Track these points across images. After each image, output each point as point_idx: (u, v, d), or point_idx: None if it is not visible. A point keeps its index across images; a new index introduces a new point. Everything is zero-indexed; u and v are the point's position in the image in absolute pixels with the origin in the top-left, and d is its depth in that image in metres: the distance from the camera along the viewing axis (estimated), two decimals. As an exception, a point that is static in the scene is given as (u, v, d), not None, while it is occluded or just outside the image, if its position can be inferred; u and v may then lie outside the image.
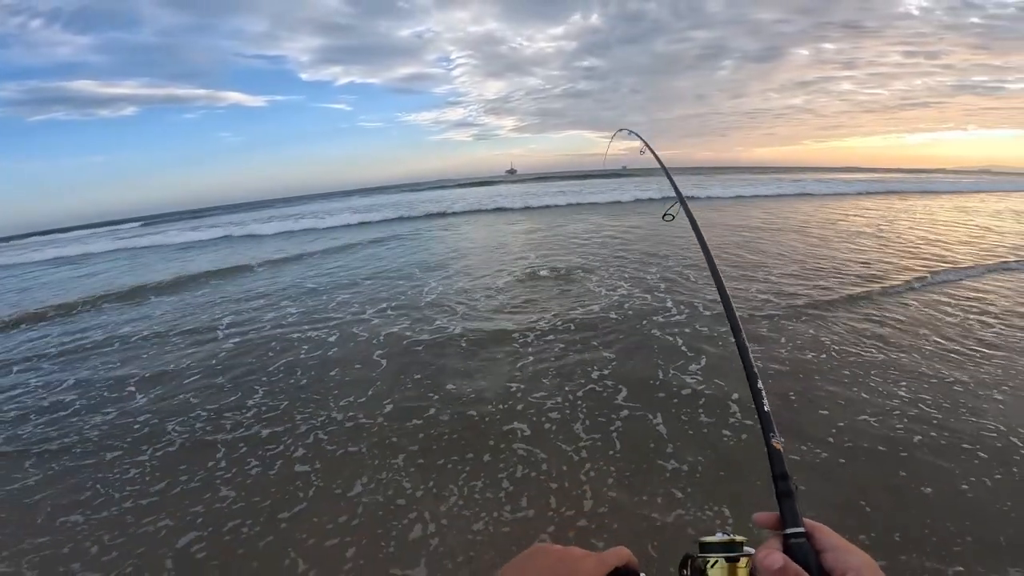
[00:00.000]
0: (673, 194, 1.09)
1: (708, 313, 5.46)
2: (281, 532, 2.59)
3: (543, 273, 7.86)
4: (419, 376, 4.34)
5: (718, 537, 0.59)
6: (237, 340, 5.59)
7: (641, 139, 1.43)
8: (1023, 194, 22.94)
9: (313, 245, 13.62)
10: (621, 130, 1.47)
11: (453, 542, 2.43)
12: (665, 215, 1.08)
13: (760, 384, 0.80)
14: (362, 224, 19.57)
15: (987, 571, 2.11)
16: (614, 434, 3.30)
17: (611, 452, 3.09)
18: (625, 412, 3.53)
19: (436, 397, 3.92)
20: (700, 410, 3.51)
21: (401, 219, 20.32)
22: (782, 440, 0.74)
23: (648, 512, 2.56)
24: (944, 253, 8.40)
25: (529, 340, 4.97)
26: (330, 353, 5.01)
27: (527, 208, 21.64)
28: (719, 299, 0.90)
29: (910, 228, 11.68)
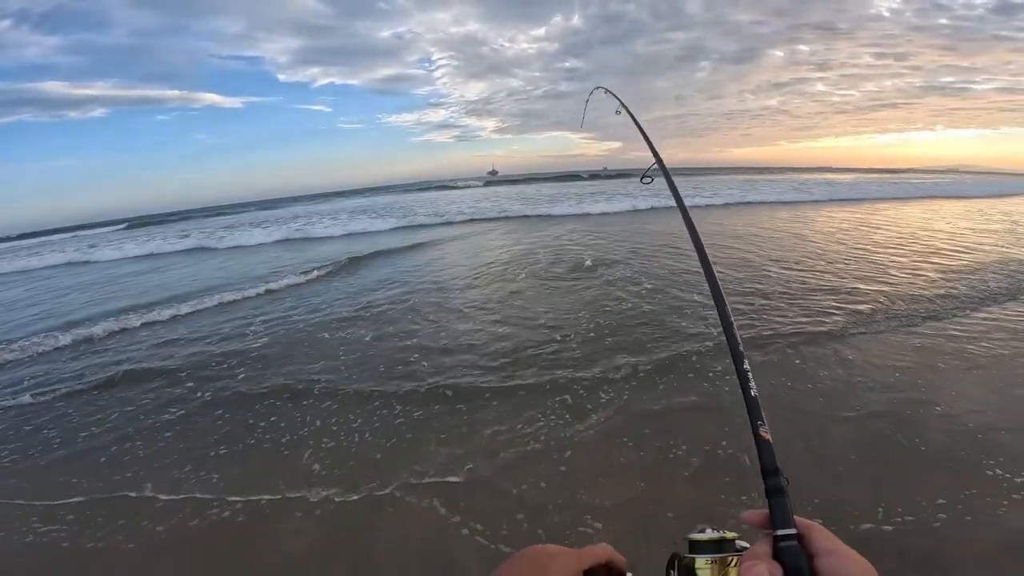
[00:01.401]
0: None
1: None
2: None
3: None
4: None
5: (707, 534, 0.55)
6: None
7: (618, 99, 1.33)
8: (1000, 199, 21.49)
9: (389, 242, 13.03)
10: (598, 88, 1.38)
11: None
12: (643, 178, 1.00)
13: (747, 365, 0.68)
14: (396, 229, 17.51)
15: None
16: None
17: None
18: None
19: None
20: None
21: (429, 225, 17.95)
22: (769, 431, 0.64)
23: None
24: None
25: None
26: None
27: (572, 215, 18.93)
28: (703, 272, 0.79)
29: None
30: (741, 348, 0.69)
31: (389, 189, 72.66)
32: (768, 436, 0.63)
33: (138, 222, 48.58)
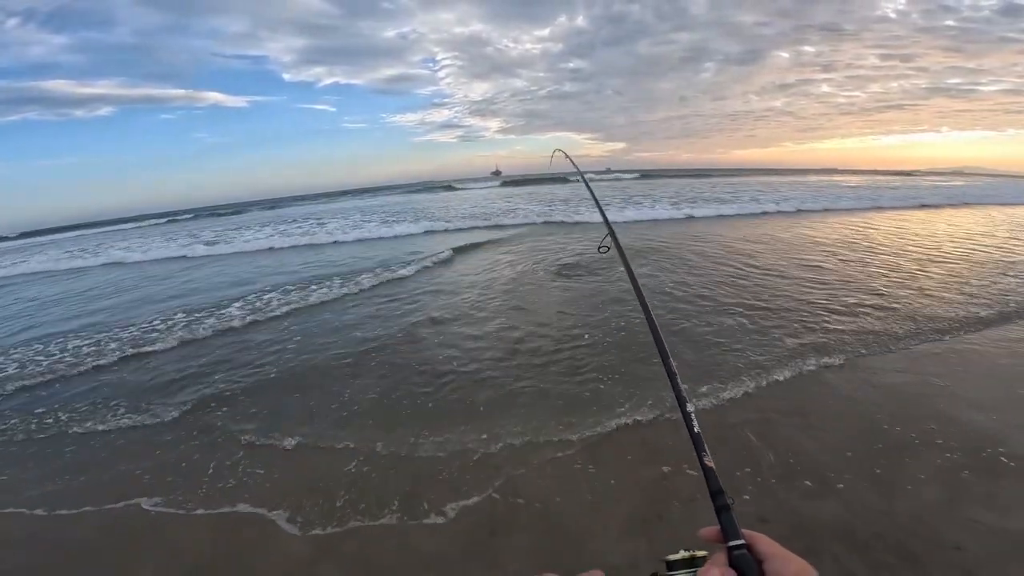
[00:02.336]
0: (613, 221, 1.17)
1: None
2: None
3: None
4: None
5: (680, 554, 0.63)
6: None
7: (574, 165, 1.52)
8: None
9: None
10: (557, 151, 1.58)
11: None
12: (600, 247, 1.15)
13: (690, 407, 0.84)
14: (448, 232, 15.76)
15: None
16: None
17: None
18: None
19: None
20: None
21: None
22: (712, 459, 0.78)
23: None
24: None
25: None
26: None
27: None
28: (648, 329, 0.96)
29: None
30: (684, 394, 0.86)
31: (394, 189, 71.23)
32: (711, 464, 0.78)
33: (171, 217, 49.54)
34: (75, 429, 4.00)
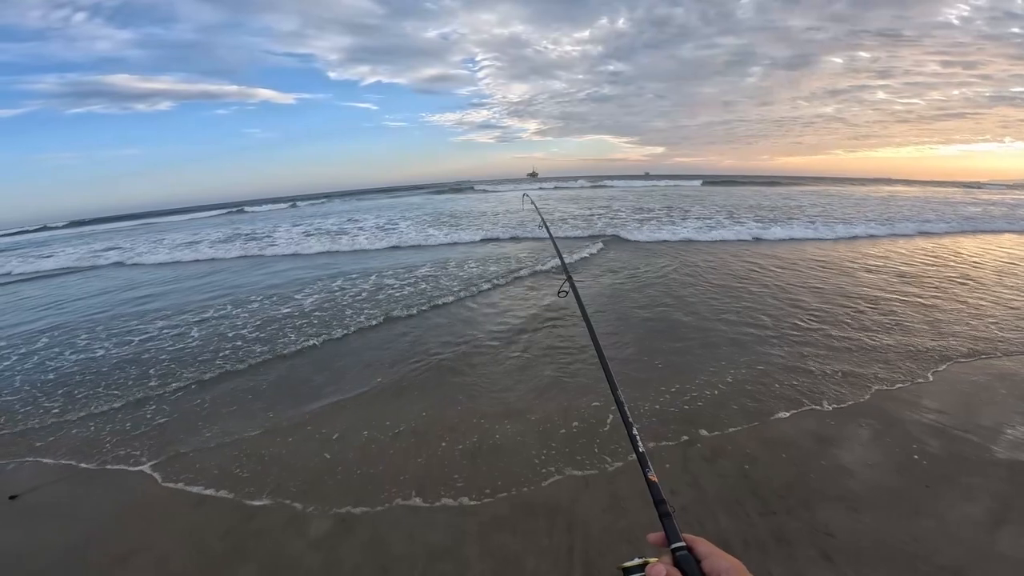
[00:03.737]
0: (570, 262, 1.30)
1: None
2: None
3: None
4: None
5: (636, 561, 0.71)
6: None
7: (537, 211, 1.64)
8: None
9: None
10: (524, 194, 1.65)
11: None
12: (560, 292, 1.26)
13: (636, 431, 0.99)
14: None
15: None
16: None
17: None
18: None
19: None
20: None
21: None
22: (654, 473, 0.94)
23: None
24: None
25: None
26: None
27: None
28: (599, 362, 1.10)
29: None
30: (630, 419, 1.01)
31: (430, 187, 70.60)
32: (654, 478, 0.93)
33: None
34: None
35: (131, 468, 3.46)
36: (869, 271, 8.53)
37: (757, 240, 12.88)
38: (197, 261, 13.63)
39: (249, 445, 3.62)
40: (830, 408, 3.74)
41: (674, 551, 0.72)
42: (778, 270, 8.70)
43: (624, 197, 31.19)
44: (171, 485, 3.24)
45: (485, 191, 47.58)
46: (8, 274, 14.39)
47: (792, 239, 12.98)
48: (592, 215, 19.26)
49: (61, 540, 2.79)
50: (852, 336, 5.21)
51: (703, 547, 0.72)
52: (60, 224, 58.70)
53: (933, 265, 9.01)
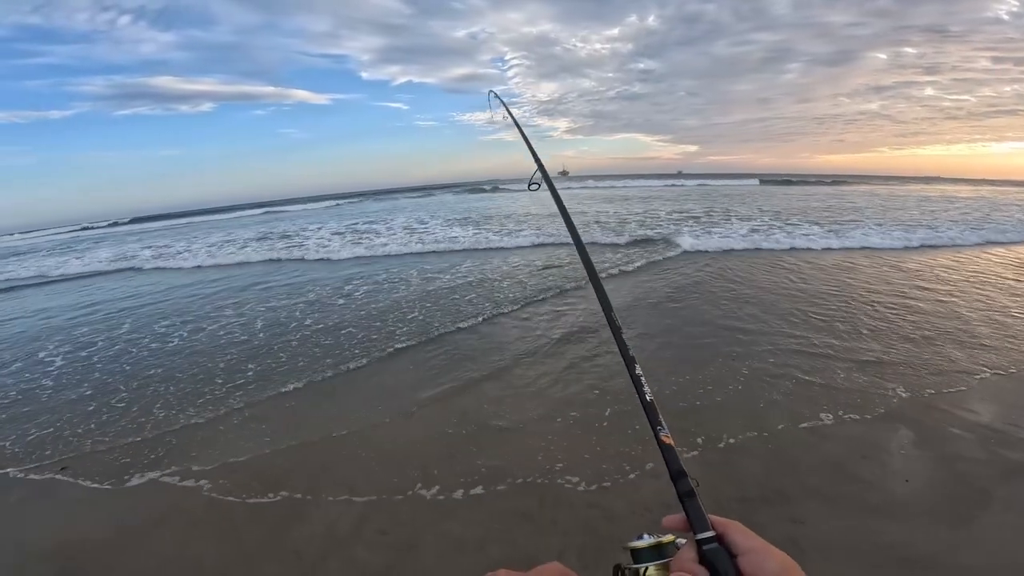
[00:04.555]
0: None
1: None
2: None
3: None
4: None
5: (645, 540, 0.56)
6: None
7: (503, 103, 1.33)
8: None
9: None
10: (490, 91, 1.40)
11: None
12: (530, 185, 1.01)
13: (639, 370, 0.66)
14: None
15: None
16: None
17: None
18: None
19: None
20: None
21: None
22: (670, 435, 0.61)
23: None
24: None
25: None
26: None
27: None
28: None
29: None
30: (631, 352, 0.67)
31: (467, 186, 68.76)
32: (670, 440, 0.62)
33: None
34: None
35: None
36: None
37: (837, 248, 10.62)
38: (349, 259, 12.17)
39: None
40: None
41: (700, 543, 0.52)
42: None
43: (670, 197, 28.00)
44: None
45: (515, 191, 44.68)
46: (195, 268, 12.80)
47: (868, 247, 10.63)
48: (640, 217, 16.88)
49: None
50: None
51: (740, 537, 0.52)
52: (124, 221, 61.30)
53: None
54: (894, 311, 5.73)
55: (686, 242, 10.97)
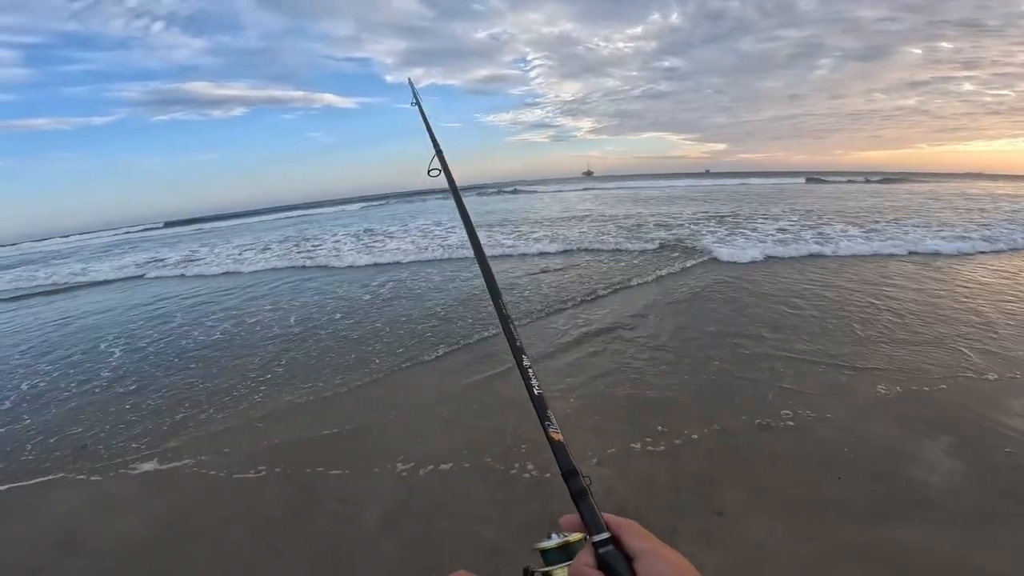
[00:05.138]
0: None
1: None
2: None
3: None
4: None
5: (553, 541, 0.56)
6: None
7: (413, 90, 1.28)
8: None
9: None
10: (407, 78, 1.34)
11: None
12: (430, 172, 0.97)
13: (527, 362, 0.60)
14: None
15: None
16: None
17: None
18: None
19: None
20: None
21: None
22: (559, 431, 0.57)
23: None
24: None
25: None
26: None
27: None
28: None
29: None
30: (519, 343, 0.62)
31: (492, 187, 66.48)
32: (559, 436, 0.57)
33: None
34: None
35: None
36: None
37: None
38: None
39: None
40: None
41: (595, 545, 0.50)
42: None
43: (701, 196, 26.02)
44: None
45: (547, 192, 43.63)
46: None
47: (941, 253, 9.22)
48: (675, 220, 15.36)
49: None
50: None
51: (635, 539, 0.50)
52: (181, 220, 64.97)
53: None
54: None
55: (747, 253, 9.32)
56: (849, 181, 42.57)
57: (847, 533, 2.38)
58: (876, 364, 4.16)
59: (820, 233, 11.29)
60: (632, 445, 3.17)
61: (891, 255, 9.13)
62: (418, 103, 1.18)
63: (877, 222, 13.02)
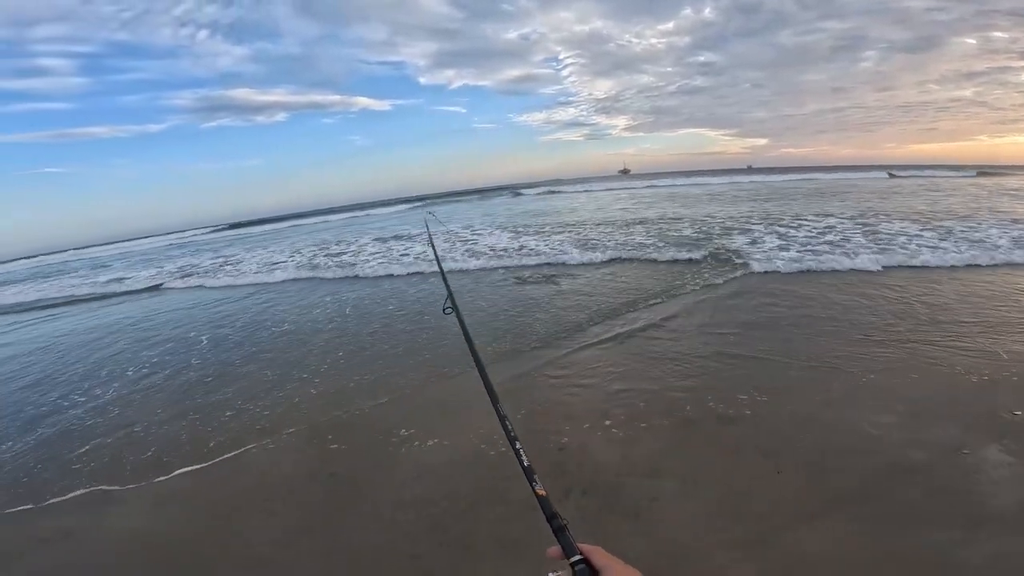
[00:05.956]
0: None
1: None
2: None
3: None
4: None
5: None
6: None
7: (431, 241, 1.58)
8: None
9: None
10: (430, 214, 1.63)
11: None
12: (445, 309, 1.22)
13: (519, 445, 0.93)
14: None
15: None
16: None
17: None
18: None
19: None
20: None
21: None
22: (543, 486, 0.88)
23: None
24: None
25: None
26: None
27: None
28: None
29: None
30: (513, 432, 0.94)
31: (526, 186, 67.63)
32: (543, 492, 0.88)
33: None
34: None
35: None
36: None
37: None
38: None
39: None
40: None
41: (572, 565, 0.72)
42: None
43: (770, 196, 22.89)
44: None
45: (584, 191, 42.88)
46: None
47: None
48: (733, 222, 13.68)
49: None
50: None
51: (600, 559, 0.72)
52: (249, 221, 69.21)
53: None
54: None
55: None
56: (930, 177, 34.56)
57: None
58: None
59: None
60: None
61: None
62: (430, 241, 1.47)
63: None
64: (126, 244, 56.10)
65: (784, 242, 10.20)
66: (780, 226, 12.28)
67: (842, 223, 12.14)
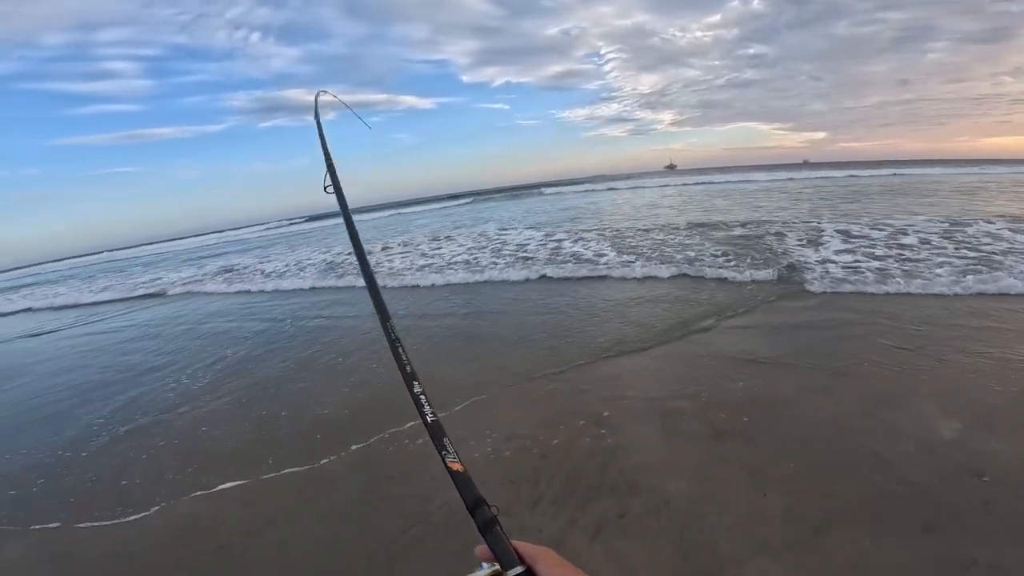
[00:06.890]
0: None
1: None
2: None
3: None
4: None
5: (484, 570, 0.54)
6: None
7: (315, 107, 1.23)
8: None
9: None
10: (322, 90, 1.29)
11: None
12: (326, 188, 0.98)
13: (419, 388, 0.56)
14: None
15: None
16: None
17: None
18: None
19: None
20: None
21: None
22: (459, 460, 0.52)
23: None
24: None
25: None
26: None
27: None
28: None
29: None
30: (410, 368, 0.57)
31: (573, 182, 62.57)
32: (458, 466, 0.52)
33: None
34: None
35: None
36: None
37: None
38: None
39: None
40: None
41: None
42: None
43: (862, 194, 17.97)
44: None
45: (631, 188, 37.31)
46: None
47: None
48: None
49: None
50: None
51: (551, 570, 0.49)
52: (301, 219, 69.14)
53: None
54: None
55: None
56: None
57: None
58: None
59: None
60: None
61: None
62: (317, 120, 1.12)
63: None
64: (191, 240, 54.23)
65: (869, 253, 7.44)
66: (859, 231, 9.28)
67: (931, 227, 9.18)
